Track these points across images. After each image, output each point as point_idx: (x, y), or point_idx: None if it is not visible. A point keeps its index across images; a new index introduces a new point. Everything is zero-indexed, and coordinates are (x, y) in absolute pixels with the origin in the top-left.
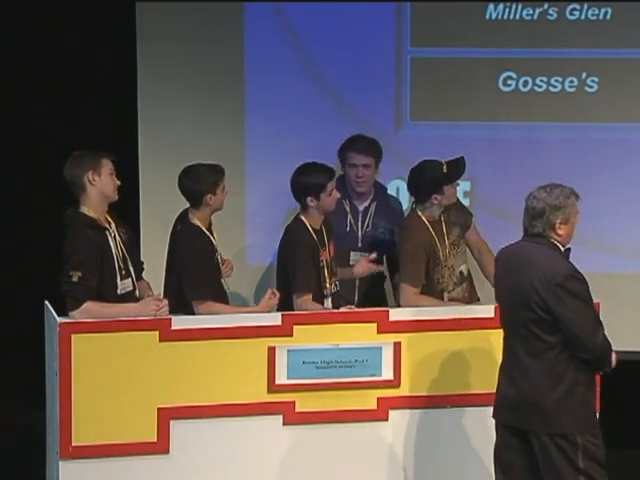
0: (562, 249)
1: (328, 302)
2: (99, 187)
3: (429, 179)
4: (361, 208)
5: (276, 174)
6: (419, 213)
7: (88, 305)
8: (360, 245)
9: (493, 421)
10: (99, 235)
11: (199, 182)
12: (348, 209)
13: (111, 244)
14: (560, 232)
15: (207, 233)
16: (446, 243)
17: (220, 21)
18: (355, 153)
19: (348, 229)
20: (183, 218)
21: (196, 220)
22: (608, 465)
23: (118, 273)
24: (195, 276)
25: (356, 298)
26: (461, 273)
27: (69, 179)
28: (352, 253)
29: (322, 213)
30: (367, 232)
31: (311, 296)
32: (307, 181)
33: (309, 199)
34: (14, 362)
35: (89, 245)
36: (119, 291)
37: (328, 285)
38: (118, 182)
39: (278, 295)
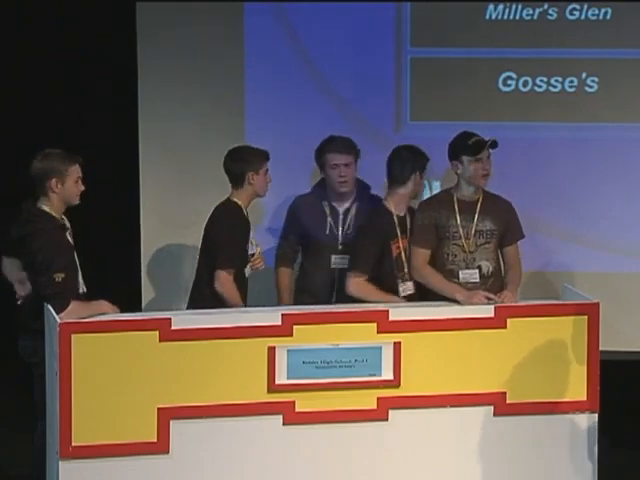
0: None
1: (406, 286)
2: (61, 194)
3: (452, 144)
4: (341, 210)
5: (276, 174)
6: (452, 192)
7: (74, 306)
8: (341, 248)
9: (494, 420)
10: (65, 236)
11: (243, 159)
12: (328, 211)
13: (71, 244)
14: None
15: (245, 213)
16: (471, 227)
17: (220, 21)
18: (336, 153)
19: (327, 232)
20: (225, 200)
21: (236, 199)
22: (608, 465)
23: (79, 272)
24: (227, 246)
25: (334, 299)
26: (479, 267)
27: (33, 176)
28: (333, 256)
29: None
30: (348, 234)
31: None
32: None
33: (417, 175)
34: (13, 363)
35: (67, 247)
36: (80, 290)
37: (405, 271)
38: (82, 187)
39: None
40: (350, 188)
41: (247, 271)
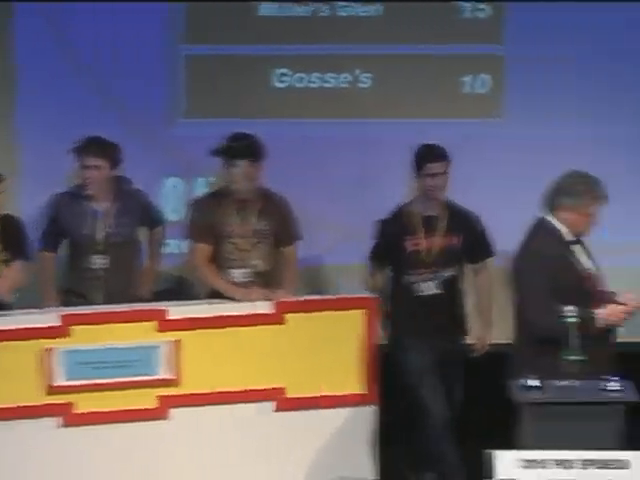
0: None
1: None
2: None
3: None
4: (100, 209)
5: (57, 178)
6: (229, 189)
7: None
8: (101, 248)
9: (275, 416)
10: None
11: None
12: (87, 211)
13: None
14: None
15: None
16: (248, 226)
17: None
18: (84, 155)
19: (85, 231)
20: None
21: None
22: None
23: None
24: None
25: (101, 299)
26: (254, 266)
27: None
28: (93, 256)
29: None
30: (109, 233)
31: None
32: None
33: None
34: None
35: None
36: None
37: None
38: None
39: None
40: (95, 191)
41: None
